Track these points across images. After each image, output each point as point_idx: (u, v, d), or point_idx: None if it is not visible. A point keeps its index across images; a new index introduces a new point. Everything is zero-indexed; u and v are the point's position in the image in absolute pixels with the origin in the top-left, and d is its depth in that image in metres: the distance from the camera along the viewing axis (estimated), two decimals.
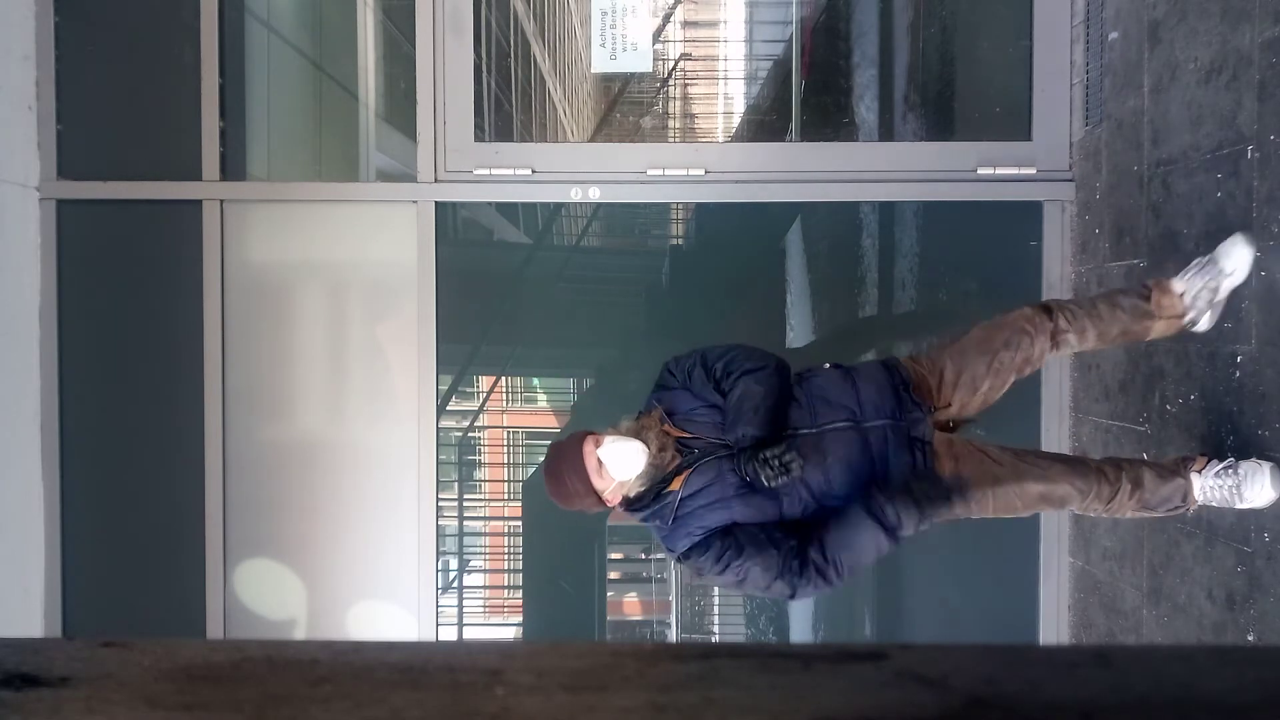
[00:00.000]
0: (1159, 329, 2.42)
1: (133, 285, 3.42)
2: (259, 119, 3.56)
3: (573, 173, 3.39)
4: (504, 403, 4.04)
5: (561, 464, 2.26)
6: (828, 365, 2.44)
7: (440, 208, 3.39)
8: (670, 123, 4.20)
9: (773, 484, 2.16)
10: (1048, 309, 2.42)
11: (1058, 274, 3.27)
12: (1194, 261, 2.40)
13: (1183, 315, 2.39)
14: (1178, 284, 2.39)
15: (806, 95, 3.79)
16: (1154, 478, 2.42)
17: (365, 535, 3.42)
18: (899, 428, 2.29)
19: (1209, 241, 2.45)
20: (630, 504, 2.32)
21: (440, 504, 3.44)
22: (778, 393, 2.28)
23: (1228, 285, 2.36)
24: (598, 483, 2.23)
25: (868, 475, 2.24)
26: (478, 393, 3.90)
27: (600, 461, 2.20)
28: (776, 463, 2.16)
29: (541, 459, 2.43)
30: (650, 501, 2.29)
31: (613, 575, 4.31)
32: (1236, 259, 2.33)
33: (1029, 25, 3.32)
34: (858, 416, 2.29)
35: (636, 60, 3.50)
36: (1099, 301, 2.45)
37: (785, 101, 3.85)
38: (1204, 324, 2.44)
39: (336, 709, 0.47)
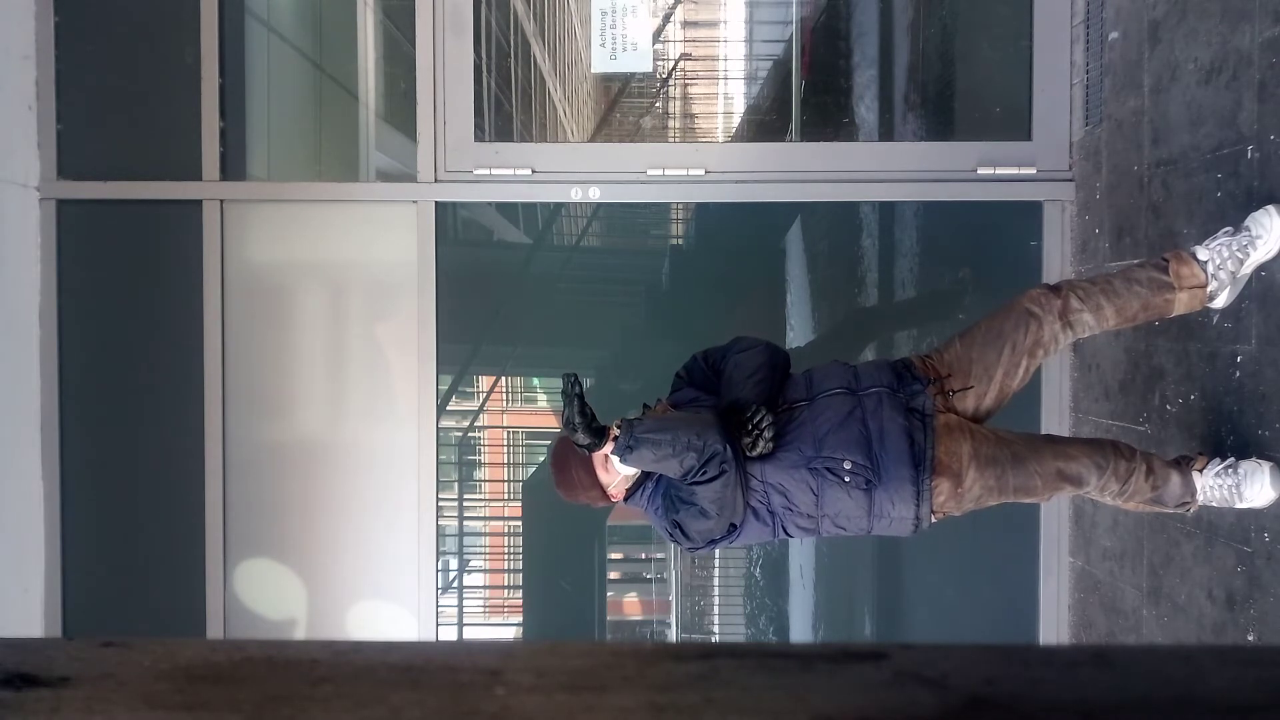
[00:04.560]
0: (1182, 302, 2.33)
1: (133, 285, 3.42)
2: (259, 119, 3.56)
3: (573, 173, 3.39)
4: (504, 403, 4.04)
5: (570, 456, 2.28)
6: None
7: (440, 208, 3.39)
8: (670, 123, 4.20)
9: (751, 452, 2.20)
10: (1056, 288, 2.38)
11: (1058, 274, 3.27)
12: (1221, 230, 2.34)
13: (1205, 285, 2.30)
14: (1201, 252, 2.31)
15: (806, 95, 3.79)
16: (1164, 466, 2.41)
17: (365, 535, 3.43)
18: (896, 397, 2.30)
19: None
20: (627, 493, 2.37)
21: (440, 504, 3.44)
22: (769, 366, 2.34)
23: (1254, 259, 2.28)
24: (604, 477, 2.27)
25: (861, 437, 2.25)
26: (478, 393, 3.90)
27: (607, 456, 2.22)
28: (749, 425, 2.18)
29: (544, 456, 2.45)
30: (644, 480, 2.35)
31: (613, 575, 4.31)
32: (1270, 227, 2.25)
33: (1029, 25, 3.32)
34: (853, 386, 2.34)
35: (636, 60, 3.50)
36: (1114, 278, 2.37)
37: (785, 101, 3.85)
38: (1222, 300, 2.36)
39: (336, 709, 0.47)
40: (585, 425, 2.13)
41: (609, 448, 2.18)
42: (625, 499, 2.39)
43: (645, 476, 2.34)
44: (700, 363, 2.46)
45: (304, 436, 3.47)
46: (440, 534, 3.45)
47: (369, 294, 3.48)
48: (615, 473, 2.26)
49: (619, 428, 2.17)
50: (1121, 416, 2.97)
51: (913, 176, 3.36)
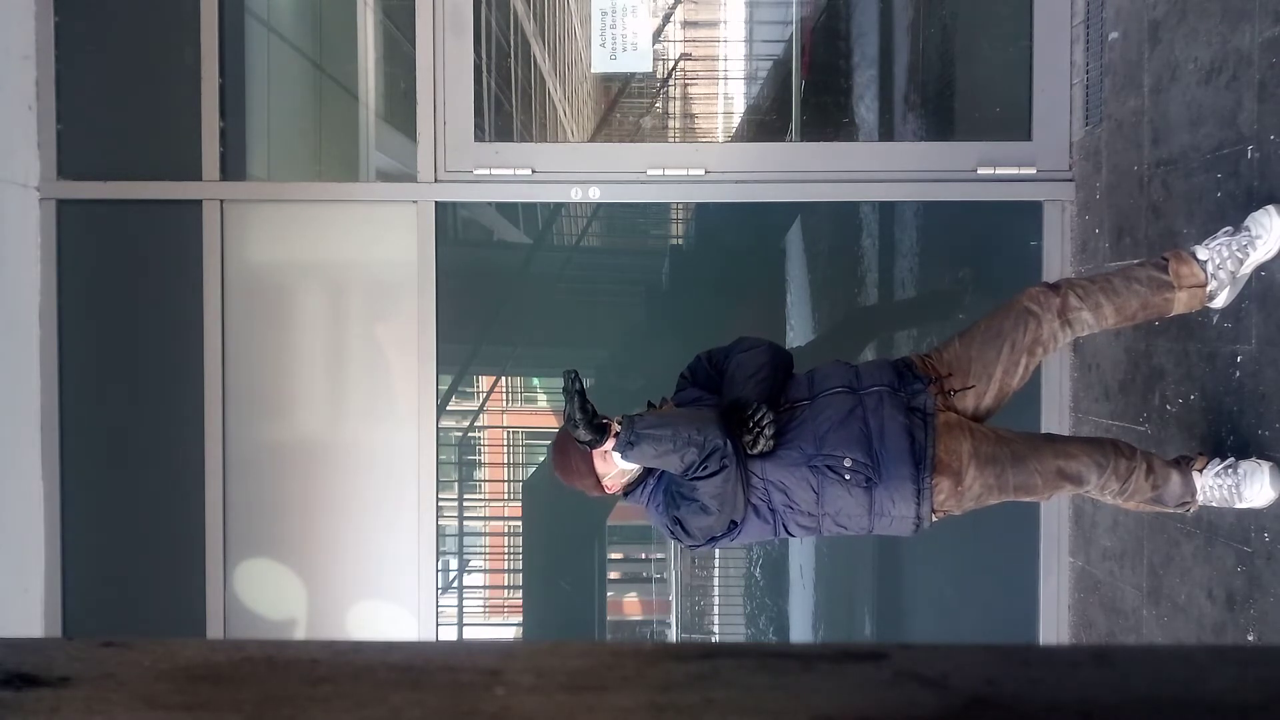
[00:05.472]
0: (1182, 301, 2.32)
1: (133, 285, 3.42)
2: (259, 119, 3.56)
3: (573, 173, 3.39)
4: (504, 403, 4.04)
5: (570, 443, 2.29)
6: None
7: (440, 208, 3.39)
8: (670, 123, 4.20)
9: (751, 450, 2.21)
10: (1055, 287, 2.38)
11: (1058, 274, 3.27)
12: (1221, 230, 2.34)
13: (1204, 285, 2.30)
14: (1201, 251, 2.31)
15: (806, 95, 3.79)
16: (1164, 466, 2.41)
17: (365, 535, 3.43)
18: (897, 395, 2.31)
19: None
20: (628, 490, 2.39)
21: (440, 504, 3.44)
22: (771, 365, 2.35)
23: (1254, 259, 2.28)
24: (600, 467, 2.27)
25: (861, 435, 2.26)
26: (478, 393, 3.90)
27: (608, 450, 2.23)
28: (750, 422, 2.18)
29: (544, 456, 2.45)
30: (645, 477, 2.35)
31: (613, 575, 4.31)
32: (1269, 227, 2.25)
33: (1029, 25, 3.32)
34: (855, 386, 2.35)
35: (636, 60, 3.50)
36: (1114, 276, 2.37)
37: (785, 101, 3.85)
38: (1222, 299, 2.36)
39: (336, 709, 0.47)
40: (586, 422, 2.14)
41: (610, 444, 2.19)
42: (625, 495, 2.40)
43: (646, 473, 2.34)
44: (704, 363, 2.47)
45: (304, 436, 3.47)
46: (440, 534, 3.45)
47: (369, 294, 3.48)
48: (614, 465, 2.26)
49: (620, 424, 2.18)
50: (1121, 416, 2.97)
51: (913, 176, 3.36)
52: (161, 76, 3.38)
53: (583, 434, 2.15)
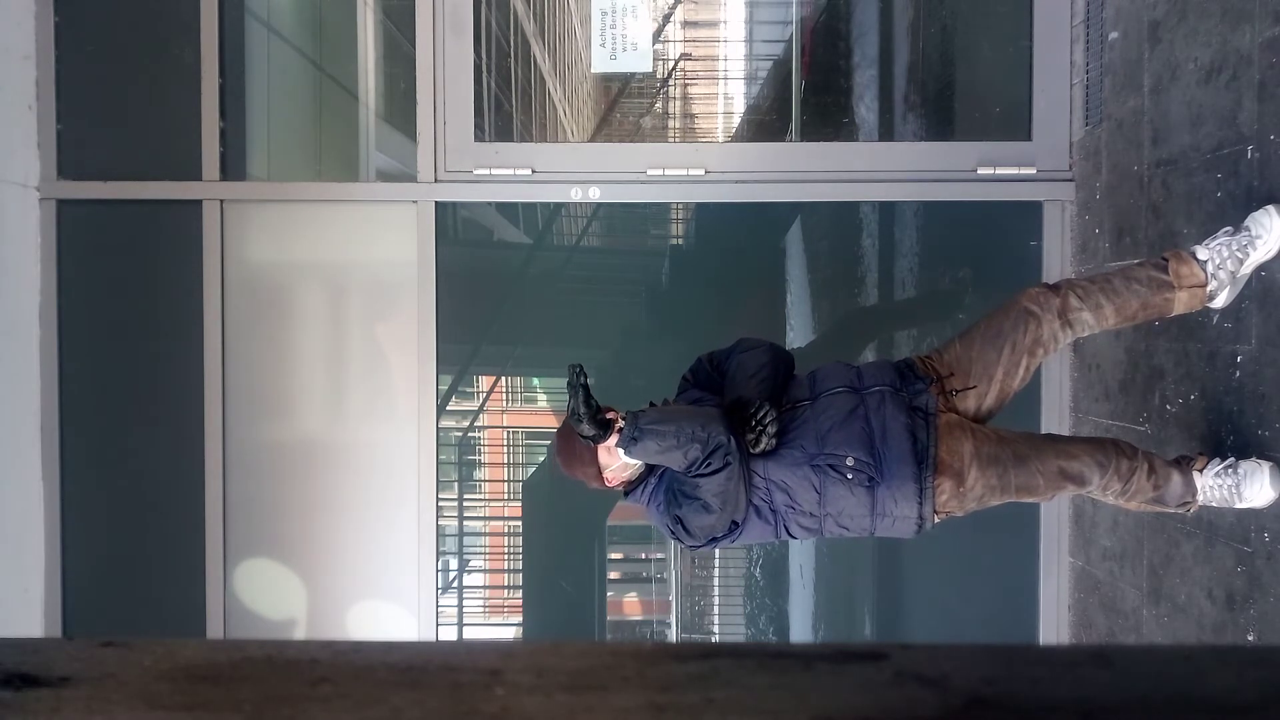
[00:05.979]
0: (1182, 301, 2.32)
1: (133, 285, 3.42)
2: (259, 119, 3.56)
3: (573, 173, 3.39)
4: (504, 403, 4.04)
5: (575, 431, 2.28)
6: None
7: (440, 208, 3.39)
8: (670, 123, 4.20)
9: (754, 449, 2.21)
10: (1055, 287, 2.38)
11: (1058, 274, 3.27)
12: (1221, 230, 2.34)
13: (1204, 285, 2.29)
14: (1201, 251, 2.31)
15: (806, 95, 3.79)
16: (1165, 466, 2.41)
17: (365, 535, 3.43)
18: (899, 395, 2.31)
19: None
20: (628, 489, 2.39)
21: (440, 504, 3.44)
22: (772, 365, 2.35)
23: (1254, 259, 2.28)
24: (604, 458, 2.27)
25: (864, 435, 2.26)
26: (478, 393, 3.90)
27: (611, 446, 2.24)
28: (753, 421, 2.19)
29: (544, 456, 2.45)
30: (646, 476, 2.36)
31: (613, 575, 4.31)
32: (1269, 227, 2.25)
33: (1029, 25, 3.32)
34: (856, 386, 2.35)
35: (636, 60, 3.50)
36: (1114, 276, 2.37)
37: (785, 101, 3.85)
38: (1222, 300, 2.35)
39: (336, 709, 0.47)
40: (590, 416, 2.14)
41: (614, 439, 2.19)
42: (626, 495, 2.40)
43: (648, 472, 2.34)
44: (705, 364, 2.47)
45: (304, 436, 3.47)
46: (440, 534, 3.45)
47: (369, 294, 3.48)
48: (617, 457, 2.26)
49: (624, 419, 2.19)
50: (1121, 416, 2.97)
51: (913, 176, 3.36)
52: (161, 76, 3.38)
53: (586, 429, 2.16)
